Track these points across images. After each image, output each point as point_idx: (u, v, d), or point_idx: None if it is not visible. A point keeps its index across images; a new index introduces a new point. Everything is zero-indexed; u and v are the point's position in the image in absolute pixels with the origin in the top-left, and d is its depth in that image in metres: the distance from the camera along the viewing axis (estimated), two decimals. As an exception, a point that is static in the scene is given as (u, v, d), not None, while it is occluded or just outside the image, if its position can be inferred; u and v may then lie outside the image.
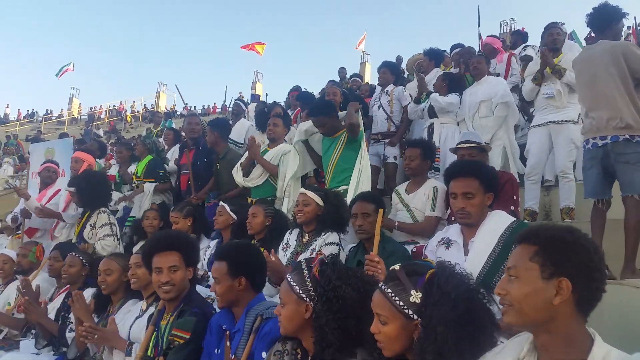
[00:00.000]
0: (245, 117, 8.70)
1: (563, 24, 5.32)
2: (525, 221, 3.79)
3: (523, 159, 5.11)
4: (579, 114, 4.64)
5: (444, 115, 5.38)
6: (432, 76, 6.37)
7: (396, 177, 5.67)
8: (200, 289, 3.14)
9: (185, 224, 4.41)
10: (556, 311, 1.35)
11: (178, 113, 28.94)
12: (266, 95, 12.86)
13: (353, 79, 9.74)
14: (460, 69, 6.43)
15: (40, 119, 33.81)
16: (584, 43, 9.04)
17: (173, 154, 6.52)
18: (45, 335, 3.59)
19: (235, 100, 9.90)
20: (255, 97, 11.63)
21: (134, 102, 34.74)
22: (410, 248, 3.38)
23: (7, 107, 36.96)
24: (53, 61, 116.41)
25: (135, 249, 4.71)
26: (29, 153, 11.69)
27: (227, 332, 2.42)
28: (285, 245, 3.53)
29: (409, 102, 5.71)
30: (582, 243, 1.36)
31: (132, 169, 6.18)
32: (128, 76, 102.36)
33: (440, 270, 1.67)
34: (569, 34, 6.44)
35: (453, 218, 3.56)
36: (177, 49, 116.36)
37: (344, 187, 4.22)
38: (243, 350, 2.23)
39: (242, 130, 6.62)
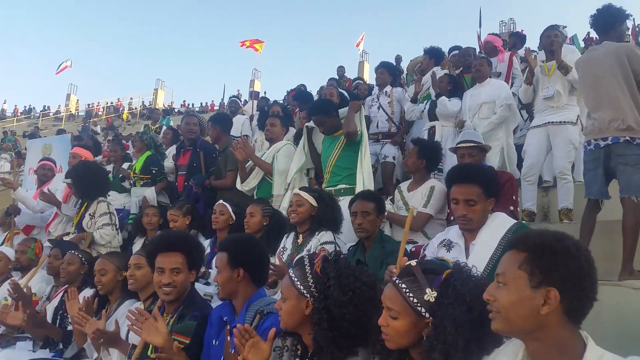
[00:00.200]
0: (241, 114, 8.76)
1: (564, 27, 5.34)
2: (525, 222, 3.80)
3: (520, 159, 5.12)
4: (578, 115, 4.70)
5: (445, 118, 5.41)
6: (430, 75, 6.38)
7: (394, 177, 5.67)
8: (197, 285, 3.13)
9: (183, 222, 4.40)
10: (544, 320, 1.32)
11: (176, 110, 28.94)
12: (264, 93, 12.86)
13: (356, 82, 9.73)
14: (459, 69, 6.42)
15: (38, 115, 33.71)
16: (582, 44, 9.07)
17: (170, 153, 6.52)
18: (41, 337, 3.57)
19: (231, 97, 9.96)
20: (254, 94, 11.60)
21: (131, 99, 34.80)
22: (408, 247, 3.38)
23: (5, 102, 36.87)
24: (50, 57, 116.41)
25: (135, 246, 4.71)
26: (26, 149, 11.66)
27: (228, 326, 2.41)
28: (282, 249, 3.54)
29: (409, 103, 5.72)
30: (571, 252, 1.33)
31: (125, 166, 6.17)
32: (126, 73, 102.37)
33: (457, 272, 1.66)
34: (570, 38, 6.43)
35: (452, 218, 3.58)
36: (175, 46, 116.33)
37: (342, 185, 4.23)
38: (244, 345, 2.23)
39: (238, 125, 6.67)
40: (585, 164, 3.67)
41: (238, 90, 29.07)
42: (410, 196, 3.88)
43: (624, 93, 3.41)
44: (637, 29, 10.40)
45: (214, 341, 2.43)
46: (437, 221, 3.71)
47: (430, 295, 1.60)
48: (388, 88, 6.03)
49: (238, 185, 4.90)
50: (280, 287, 2.42)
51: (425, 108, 5.67)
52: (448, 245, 2.61)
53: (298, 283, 1.99)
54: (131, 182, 5.79)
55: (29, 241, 4.59)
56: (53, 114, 34.01)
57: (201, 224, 4.59)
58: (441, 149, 4.05)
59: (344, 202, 3.76)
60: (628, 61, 3.43)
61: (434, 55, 6.68)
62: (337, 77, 11.52)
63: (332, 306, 1.86)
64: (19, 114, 34.69)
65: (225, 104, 20.45)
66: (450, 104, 5.33)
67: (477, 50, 7.52)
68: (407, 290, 1.63)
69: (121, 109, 33.00)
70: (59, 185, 5.57)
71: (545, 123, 4.72)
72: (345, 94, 6.10)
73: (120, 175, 6.01)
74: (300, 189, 3.72)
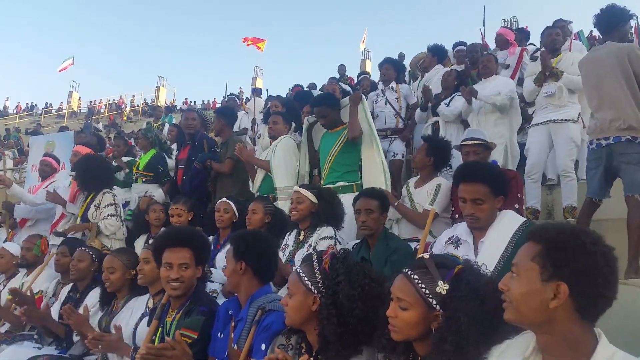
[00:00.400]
0: (239, 110, 8.82)
1: (570, 22, 5.33)
2: (534, 221, 3.80)
3: (523, 157, 5.12)
4: (579, 113, 4.72)
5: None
6: (433, 73, 6.39)
7: (401, 174, 5.66)
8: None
9: (187, 218, 4.42)
10: (554, 314, 1.31)
11: (178, 108, 28.91)
12: (267, 90, 12.83)
13: (362, 76, 9.70)
14: (465, 65, 6.40)
15: (40, 112, 33.74)
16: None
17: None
18: (49, 334, 3.57)
19: (229, 95, 10.00)
20: (257, 91, 11.58)
21: (133, 96, 34.81)
22: (414, 245, 3.38)
23: (7, 100, 36.90)
24: (53, 54, 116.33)
25: (138, 242, 4.71)
26: (28, 146, 11.67)
27: (232, 322, 2.42)
28: (284, 247, 3.56)
29: (415, 100, 5.71)
30: (586, 248, 1.31)
31: (125, 159, 6.21)
32: (128, 70, 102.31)
33: (468, 267, 1.70)
34: (575, 34, 6.42)
35: (457, 216, 3.57)
36: (177, 43, 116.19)
37: (341, 183, 4.22)
38: (245, 341, 2.23)
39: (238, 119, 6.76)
40: (588, 162, 3.73)
41: (240, 88, 29.16)
42: (416, 193, 3.87)
43: (625, 93, 3.45)
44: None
45: (219, 334, 2.45)
46: (442, 219, 3.70)
47: (442, 287, 1.62)
48: (394, 84, 6.01)
49: (250, 188, 4.95)
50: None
51: (428, 106, 5.68)
52: (456, 242, 2.59)
53: (306, 279, 2.00)
54: (134, 177, 5.78)
55: (35, 238, 4.57)
56: (55, 111, 34.01)
57: (202, 223, 4.60)
58: (451, 147, 4.01)
59: (342, 200, 3.75)
60: (629, 62, 3.47)
61: (436, 53, 6.69)
62: (338, 75, 11.48)
63: (342, 300, 1.87)
64: (22, 111, 34.71)
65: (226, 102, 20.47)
66: (448, 109, 5.33)
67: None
68: (420, 282, 1.64)
69: (123, 106, 32.99)
70: (61, 183, 5.57)
71: (547, 121, 4.73)
72: (349, 88, 6.10)
73: (116, 165, 6.02)
74: (300, 186, 3.74)
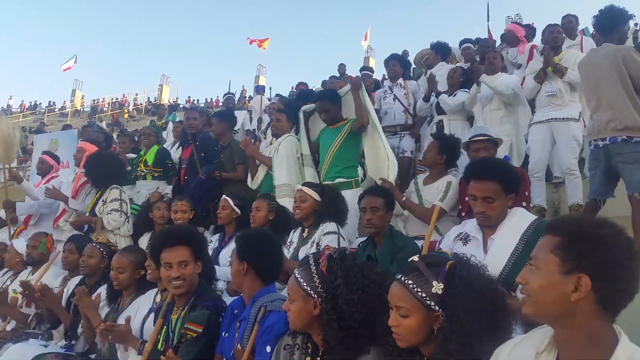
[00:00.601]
0: (239, 109, 8.82)
1: (576, 17, 5.30)
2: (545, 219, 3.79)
3: (525, 155, 5.11)
4: (580, 112, 4.72)
5: (452, 112, 5.40)
6: (436, 70, 6.37)
7: (410, 171, 5.63)
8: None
9: (189, 216, 4.42)
10: (574, 308, 1.28)
11: (181, 106, 28.92)
12: (270, 89, 12.78)
13: (364, 72, 9.67)
14: (473, 62, 6.38)
15: (43, 110, 33.78)
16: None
17: (174, 150, 6.54)
18: (51, 319, 3.58)
19: (226, 94, 10.00)
20: (260, 89, 11.47)
21: (137, 94, 34.77)
22: (420, 243, 3.36)
23: (10, 98, 36.96)
24: (56, 53, 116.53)
25: (142, 240, 4.70)
26: (32, 144, 11.68)
27: (238, 322, 2.42)
28: (288, 243, 3.57)
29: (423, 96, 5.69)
30: (610, 240, 1.27)
31: (129, 155, 6.20)
32: (131, 69, 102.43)
33: (458, 261, 1.67)
34: (580, 31, 6.39)
35: (463, 214, 3.55)
36: (180, 42, 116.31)
37: (341, 179, 4.22)
38: (247, 341, 2.23)
39: (239, 119, 6.74)
40: (588, 163, 3.82)
41: (243, 86, 29.13)
42: (426, 190, 3.85)
43: (621, 95, 3.50)
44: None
45: (224, 333, 2.46)
46: (449, 217, 3.68)
47: (437, 287, 1.60)
48: (401, 80, 5.98)
49: (249, 183, 4.94)
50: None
51: (433, 103, 5.66)
52: (465, 239, 2.56)
53: (304, 284, 1.96)
54: (142, 175, 5.77)
55: (40, 236, 4.57)
56: (58, 110, 34.05)
57: (203, 222, 4.60)
58: (460, 145, 4.00)
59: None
60: (624, 64, 3.53)
61: (440, 50, 6.68)
62: (338, 74, 11.41)
63: (341, 305, 1.84)
64: (25, 110, 34.76)
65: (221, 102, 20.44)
66: (451, 100, 5.33)
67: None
68: (414, 286, 1.62)
69: (126, 104, 32.99)
70: (65, 179, 5.58)
71: (548, 119, 4.73)
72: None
73: None
74: (303, 184, 3.74)
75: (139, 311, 3.01)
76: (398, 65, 6.07)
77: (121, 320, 2.85)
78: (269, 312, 2.25)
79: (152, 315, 2.86)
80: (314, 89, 8.64)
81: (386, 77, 7.44)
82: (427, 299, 1.59)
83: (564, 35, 5.31)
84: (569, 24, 6.04)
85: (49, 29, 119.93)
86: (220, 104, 27.69)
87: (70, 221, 4.91)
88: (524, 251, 2.28)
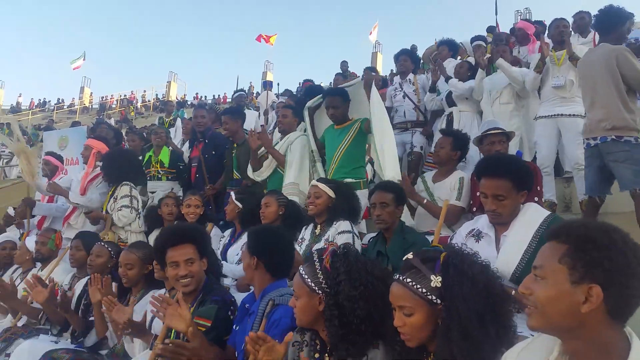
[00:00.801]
0: (253, 107, 8.74)
1: (589, 14, 5.25)
2: (558, 214, 3.78)
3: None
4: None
5: (462, 102, 5.35)
6: (445, 64, 6.32)
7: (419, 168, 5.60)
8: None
9: (200, 211, 4.42)
10: (585, 318, 1.21)
11: (189, 103, 29.00)
12: (278, 85, 12.71)
13: (365, 70, 9.61)
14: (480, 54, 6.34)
15: (52, 108, 34.01)
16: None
17: (186, 147, 6.54)
18: (58, 321, 3.59)
19: (237, 91, 9.91)
20: (268, 84, 11.40)
21: (145, 91, 34.92)
22: (431, 239, 3.33)
23: (20, 96, 37.28)
24: (64, 50, 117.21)
25: (152, 237, 4.70)
26: (41, 141, 11.73)
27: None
28: (300, 240, 3.53)
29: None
30: (618, 246, 1.21)
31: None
32: (139, 66, 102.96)
33: (452, 252, 1.68)
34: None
35: (474, 209, 3.52)
36: (187, 38, 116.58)
37: (349, 180, 4.17)
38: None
39: (251, 119, 6.67)
40: (584, 161, 3.91)
41: (250, 82, 29.14)
42: (437, 187, 3.81)
43: (612, 94, 3.58)
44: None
45: (235, 326, 2.48)
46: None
47: (435, 281, 1.60)
48: (411, 76, 5.95)
49: (250, 174, 4.88)
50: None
51: (443, 96, 5.63)
52: (477, 235, 2.52)
53: (309, 280, 1.96)
54: (159, 175, 5.78)
55: (49, 232, 4.59)
56: (67, 107, 34.28)
57: (211, 218, 4.61)
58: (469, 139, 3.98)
59: None
60: (618, 64, 3.58)
61: (452, 47, 6.70)
62: (341, 72, 11.31)
63: (343, 301, 1.83)
64: (34, 107, 35.02)
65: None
66: (461, 84, 5.32)
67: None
68: (413, 283, 1.62)
69: (134, 101, 33.13)
70: (74, 176, 5.58)
71: (554, 115, 4.69)
72: None
73: None
74: (317, 180, 3.71)
75: (149, 307, 3.01)
76: (409, 60, 6.03)
77: (138, 316, 2.86)
78: (276, 306, 2.25)
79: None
80: (322, 85, 8.59)
81: (395, 73, 7.41)
82: (428, 294, 1.60)
83: (570, 30, 5.29)
84: (581, 21, 5.96)
85: (57, 27, 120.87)
86: (229, 100, 27.83)
87: (85, 212, 4.92)
88: (537, 248, 2.22)
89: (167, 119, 10.12)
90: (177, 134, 8.19)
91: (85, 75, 35.30)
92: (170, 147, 5.97)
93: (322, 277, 1.94)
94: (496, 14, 10.33)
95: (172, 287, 2.92)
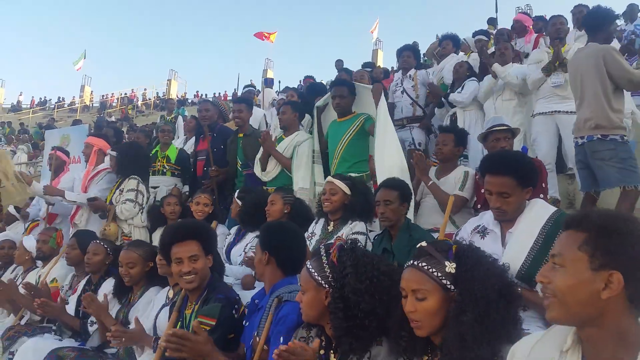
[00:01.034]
0: (256, 104, 8.66)
1: (588, 7, 5.23)
2: (569, 210, 3.80)
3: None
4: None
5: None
6: (447, 60, 6.41)
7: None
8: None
9: (209, 210, 4.41)
10: (605, 306, 1.23)
11: (189, 101, 28.99)
12: (279, 82, 12.70)
13: (365, 68, 9.58)
14: (481, 53, 6.34)
15: (53, 106, 33.99)
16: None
17: (188, 144, 6.52)
18: (68, 326, 3.58)
19: (246, 87, 9.80)
20: (268, 81, 11.34)
21: (145, 89, 34.89)
22: (436, 236, 3.32)
23: (21, 95, 37.28)
24: (64, 49, 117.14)
25: (155, 235, 4.70)
26: (43, 139, 11.74)
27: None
28: (310, 234, 3.51)
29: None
30: (638, 234, 1.22)
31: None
32: (139, 64, 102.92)
33: (460, 245, 1.72)
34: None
35: (479, 206, 3.51)
36: (188, 36, 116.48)
37: (352, 174, 4.12)
38: (263, 330, 2.23)
39: (257, 118, 6.65)
40: (574, 158, 4.04)
41: (251, 80, 29.11)
42: (441, 183, 3.79)
43: (598, 93, 3.66)
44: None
45: (244, 322, 2.47)
46: (465, 209, 3.65)
47: (450, 267, 1.63)
48: (412, 71, 5.94)
49: (257, 173, 4.87)
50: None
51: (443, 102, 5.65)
52: (482, 231, 2.50)
53: (315, 274, 1.97)
54: (164, 170, 5.75)
55: (50, 231, 4.61)
56: (68, 106, 34.26)
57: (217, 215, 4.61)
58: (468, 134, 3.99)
59: None
60: (604, 63, 3.65)
61: (455, 42, 6.73)
62: (336, 70, 11.20)
63: (348, 294, 1.83)
64: (35, 106, 35.01)
65: (239, 94, 20.38)
66: (460, 96, 5.34)
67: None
68: (428, 267, 1.64)
69: (135, 99, 33.12)
70: (76, 175, 5.58)
71: (553, 111, 4.72)
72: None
73: None
74: (333, 176, 3.68)
75: (152, 308, 3.01)
76: (412, 56, 6.03)
77: (132, 315, 2.85)
78: (284, 303, 2.24)
79: (164, 311, 2.86)
80: (323, 83, 8.56)
81: (395, 68, 7.40)
82: (443, 278, 1.62)
83: (568, 26, 5.35)
84: (580, 14, 5.94)
85: (57, 25, 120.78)
86: (229, 98, 27.79)
87: (89, 202, 4.93)
88: (543, 245, 2.23)
89: (168, 117, 10.11)
90: (179, 133, 8.18)
91: (86, 73, 35.27)
92: (177, 141, 5.96)
93: (329, 271, 1.94)
94: (496, 11, 10.34)
95: (175, 283, 2.92)
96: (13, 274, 4.73)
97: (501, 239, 2.41)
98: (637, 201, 3.72)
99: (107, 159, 5.24)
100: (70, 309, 3.67)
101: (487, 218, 2.56)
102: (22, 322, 3.95)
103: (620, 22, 8.25)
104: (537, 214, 2.37)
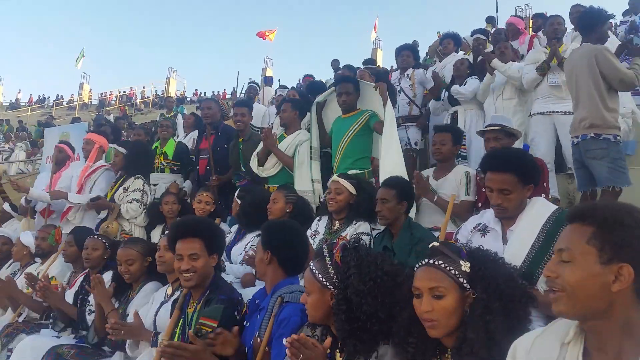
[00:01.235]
0: (258, 102, 8.62)
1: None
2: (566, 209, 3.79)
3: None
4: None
5: (467, 102, 5.36)
6: (449, 59, 6.38)
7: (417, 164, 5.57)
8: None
9: (211, 208, 4.40)
10: (615, 298, 1.23)
11: (188, 99, 28.97)
12: (279, 80, 12.66)
13: (366, 66, 9.56)
14: (478, 53, 6.35)
15: (51, 104, 33.93)
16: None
17: (190, 137, 6.50)
18: (64, 318, 3.59)
19: (249, 83, 9.73)
20: (268, 80, 11.26)
21: (144, 87, 34.82)
22: (437, 235, 3.31)
23: (19, 92, 37.18)
24: (63, 47, 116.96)
25: (154, 232, 4.71)
26: (42, 137, 11.72)
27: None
28: (313, 233, 3.50)
29: (432, 85, 5.67)
30: None
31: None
32: (138, 62, 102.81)
33: (467, 246, 1.75)
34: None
35: (480, 204, 3.50)
36: (187, 35, 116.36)
37: (354, 171, 4.16)
38: (265, 331, 2.21)
39: (259, 114, 6.62)
40: (571, 157, 4.12)
41: (250, 79, 29.07)
42: (440, 184, 3.77)
43: (592, 93, 3.72)
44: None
45: (245, 322, 2.46)
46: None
47: (465, 265, 1.64)
48: (410, 70, 5.93)
49: (254, 168, 4.84)
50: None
51: (444, 95, 5.62)
52: (483, 230, 2.50)
53: (320, 275, 1.94)
54: (162, 167, 5.73)
55: (49, 227, 4.61)
56: (66, 103, 34.18)
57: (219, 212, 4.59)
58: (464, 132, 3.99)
59: None
60: (597, 63, 3.71)
61: (457, 41, 6.75)
62: (332, 70, 11.12)
63: (350, 296, 1.82)
64: (33, 103, 34.94)
65: (238, 92, 20.36)
66: (464, 89, 5.31)
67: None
68: (445, 265, 1.64)
69: (134, 97, 33.07)
70: (74, 172, 5.57)
71: (550, 112, 4.73)
72: None
73: None
74: (338, 175, 3.66)
75: (152, 305, 3.00)
76: (411, 56, 6.02)
77: (131, 310, 2.84)
78: (285, 304, 2.23)
79: (164, 308, 2.85)
80: (323, 81, 8.53)
81: (394, 67, 7.40)
82: (460, 276, 1.62)
83: (565, 26, 5.35)
84: (578, 14, 5.96)
85: (56, 23, 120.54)
86: (228, 96, 27.76)
87: (97, 202, 4.94)
88: (544, 243, 2.23)
89: (168, 115, 10.09)
90: (178, 131, 8.16)
91: (85, 71, 35.13)
92: (176, 139, 5.94)
93: (332, 272, 1.92)
94: (497, 10, 10.35)
95: (175, 280, 2.92)
96: (9, 269, 4.75)
97: (502, 237, 2.41)
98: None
99: (104, 156, 5.26)
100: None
101: (487, 216, 2.56)
102: (20, 319, 3.94)
103: (619, 17, 8.31)
104: (538, 212, 2.37)
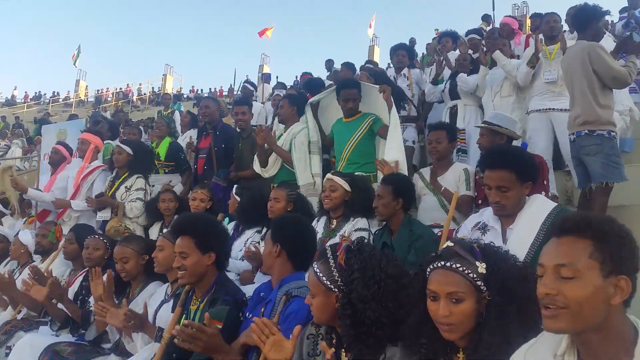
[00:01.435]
0: (255, 100, 8.60)
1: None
2: (567, 207, 3.83)
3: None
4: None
5: (467, 97, 5.35)
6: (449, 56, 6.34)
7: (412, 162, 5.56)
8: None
9: (206, 205, 4.39)
10: (611, 310, 1.23)
11: (185, 96, 28.88)
12: (277, 77, 12.57)
13: (367, 65, 9.54)
14: (480, 50, 6.35)
15: (47, 101, 33.78)
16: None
17: (186, 136, 6.48)
18: (59, 317, 3.57)
19: (244, 82, 9.71)
20: (265, 77, 11.18)
21: (140, 84, 34.69)
22: (437, 231, 3.32)
23: (15, 89, 37.03)
24: (59, 43, 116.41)
25: (152, 230, 4.71)
26: (40, 134, 11.64)
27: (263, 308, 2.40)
28: None
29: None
30: (631, 237, 1.27)
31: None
32: (134, 59, 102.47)
33: (479, 244, 1.70)
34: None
35: (480, 202, 3.51)
36: (183, 31, 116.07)
37: (359, 173, 4.11)
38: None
39: (255, 112, 6.62)
40: (570, 155, 4.15)
41: (247, 76, 29.01)
42: (438, 181, 3.76)
43: (586, 90, 3.75)
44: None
45: (247, 314, 2.45)
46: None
47: (481, 267, 1.59)
48: (405, 70, 5.91)
49: (257, 169, 4.82)
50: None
51: (445, 87, 5.60)
52: (483, 228, 2.50)
53: (324, 278, 1.90)
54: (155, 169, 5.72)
55: (50, 225, 4.60)
56: (62, 100, 34.03)
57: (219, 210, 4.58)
58: (462, 130, 3.98)
59: None
60: (590, 60, 3.74)
61: (454, 39, 6.77)
62: (326, 70, 11.05)
63: (354, 301, 1.79)
64: (29, 100, 34.77)
65: (236, 89, 20.29)
66: (471, 78, 5.35)
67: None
68: (463, 268, 1.58)
69: (130, 94, 32.94)
70: (71, 172, 5.52)
71: (547, 109, 4.72)
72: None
73: None
74: (332, 173, 3.66)
75: (152, 301, 3.00)
76: (407, 56, 6.02)
77: (137, 308, 2.83)
78: (293, 298, 2.22)
79: (164, 306, 2.85)
80: (320, 78, 8.52)
81: (390, 66, 7.40)
82: (477, 279, 1.57)
83: (562, 24, 5.32)
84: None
85: (52, 20, 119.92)
86: (225, 94, 27.71)
87: (91, 200, 4.94)
88: (544, 241, 2.20)
89: (165, 112, 10.04)
90: (176, 128, 8.12)
91: (81, 68, 34.98)
92: (172, 138, 5.91)
93: (337, 274, 1.89)
94: (493, 8, 10.34)
95: (174, 280, 2.91)
96: (6, 268, 4.71)
97: (502, 235, 2.42)
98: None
99: (99, 155, 5.27)
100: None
101: (487, 214, 2.56)
102: (19, 317, 3.93)
103: (616, 15, 8.31)
104: (537, 209, 2.38)
